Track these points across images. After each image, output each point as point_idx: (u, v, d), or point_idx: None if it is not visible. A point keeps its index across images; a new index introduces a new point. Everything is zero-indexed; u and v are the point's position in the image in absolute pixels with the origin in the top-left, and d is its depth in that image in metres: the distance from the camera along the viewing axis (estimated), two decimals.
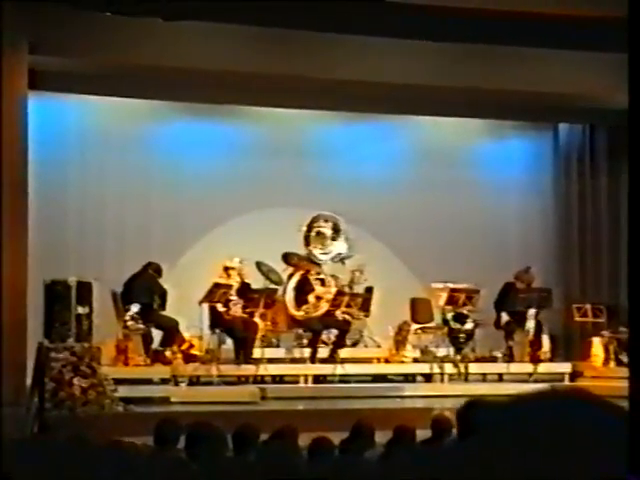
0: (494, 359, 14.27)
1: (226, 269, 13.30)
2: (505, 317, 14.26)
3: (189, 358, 12.94)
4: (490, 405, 1.31)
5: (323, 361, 13.41)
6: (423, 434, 6.45)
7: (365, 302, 13.97)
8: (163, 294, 13.14)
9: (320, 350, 13.51)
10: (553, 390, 1.24)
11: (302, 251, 14.70)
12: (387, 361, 14.09)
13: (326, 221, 15.14)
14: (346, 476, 5.09)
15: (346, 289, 14.18)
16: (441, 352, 13.87)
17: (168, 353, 12.87)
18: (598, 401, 1.22)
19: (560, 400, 1.22)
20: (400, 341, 14.14)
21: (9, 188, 11.49)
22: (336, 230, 15.15)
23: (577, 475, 1.16)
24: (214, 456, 5.47)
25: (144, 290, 13.02)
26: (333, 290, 13.90)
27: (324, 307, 13.72)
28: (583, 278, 15.76)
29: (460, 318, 14.10)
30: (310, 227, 15.00)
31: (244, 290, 13.32)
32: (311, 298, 13.81)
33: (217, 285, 13.04)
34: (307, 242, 14.89)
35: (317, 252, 15.00)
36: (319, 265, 14.53)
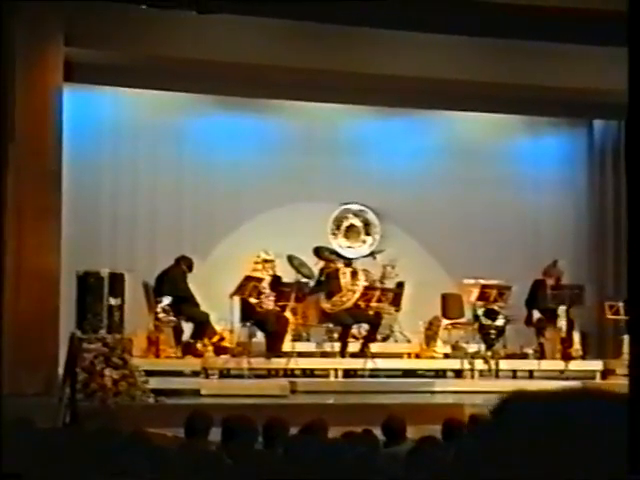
0: (525, 356, 14.22)
1: (264, 261, 13.30)
2: (536, 314, 14.21)
3: (220, 351, 12.97)
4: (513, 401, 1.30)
5: (353, 355, 13.41)
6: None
7: (396, 297, 13.95)
8: (186, 294, 13.07)
9: (351, 344, 13.51)
10: (582, 389, 1.24)
11: (333, 245, 14.70)
12: (417, 356, 14.07)
13: (357, 215, 15.15)
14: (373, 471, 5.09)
15: (377, 284, 14.17)
16: (472, 348, 13.83)
17: (199, 345, 12.91)
18: (618, 399, 1.21)
19: (583, 399, 1.21)
20: (431, 336, 14.11)
21: (44, 179, 11.56)
22: (367, 224, 15.15)
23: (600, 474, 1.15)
24: (245, 449, 5.48)
25: (175, 284, 13.05)
26: (361, 284, 13.86)
27: (351, 300, 13.70)
28: (616, 275, 15.67)
29: (491, 314, 14.06)
30: (341, 221, 15.00)
31: (276, 283, 13.34)
32: (338, 292, 13.78)
33: (248, 278, 13.06)
34: (338, 236, 14.89)
35: (348, 246, 15.01)
36: (350, 259, 14.52)
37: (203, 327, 13.04)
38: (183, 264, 13.18)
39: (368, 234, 15.18)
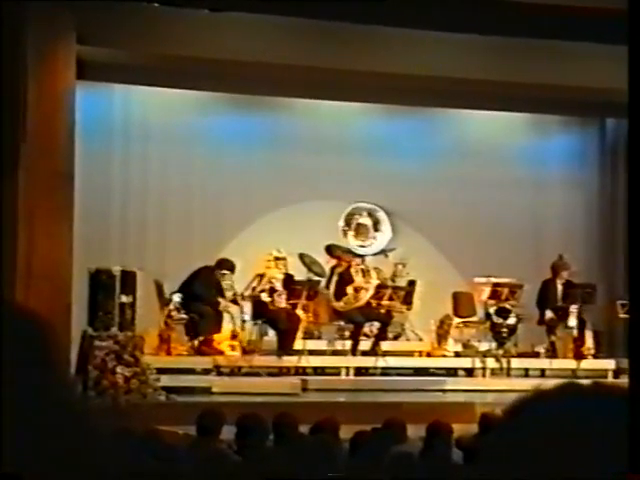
0: (537, 354, 14.20)
1: (276, 259, 13.30)
2: (549, 314, 14.18)
3: (231, 348, 12.97)
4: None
5: (365, 353, 13.40)
6: (466, 429, 6.44)
7: (407, 295, 13.95)
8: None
9: (362, 343, 13.51)
10: (572, 384, 1.23)
11: (344, 243, 14.70)
12: (429, 355, 14.06)
13: (367, 214, 15.15)
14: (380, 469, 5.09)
15: (389, 282, 14.16)
16: (483, 346, 13.82)
17: (210, 343, 12.92)
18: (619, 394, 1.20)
19: (580, 395, 1.21)
20: (442, 335, 14.10)
21: (55, 178, 11.59)
22: (377, 223, 15.14)
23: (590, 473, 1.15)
24: (256, 447, 5.49)
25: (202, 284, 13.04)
26: (374, 282, 13.86)
27: (364, 298, 13.70)
28: (628, 274, 15.64)
29: (503, 312, 14.04)
30: (351, 219, 15.00)
31: (288, 281, 13.34)
32: (350, 290, 13.79)
33: (260, 276, 13.06)
34: (348, 234, 14.89)
35: (358, 245, 15.01)
36: (361, 257, 14.53)
37: (214, 324, 13.04)
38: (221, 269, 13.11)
39: (378, 232, 15.18)
